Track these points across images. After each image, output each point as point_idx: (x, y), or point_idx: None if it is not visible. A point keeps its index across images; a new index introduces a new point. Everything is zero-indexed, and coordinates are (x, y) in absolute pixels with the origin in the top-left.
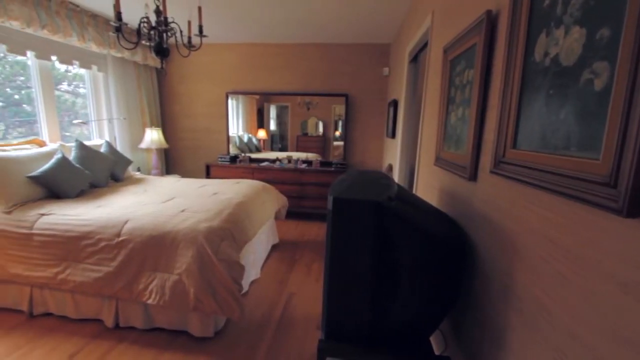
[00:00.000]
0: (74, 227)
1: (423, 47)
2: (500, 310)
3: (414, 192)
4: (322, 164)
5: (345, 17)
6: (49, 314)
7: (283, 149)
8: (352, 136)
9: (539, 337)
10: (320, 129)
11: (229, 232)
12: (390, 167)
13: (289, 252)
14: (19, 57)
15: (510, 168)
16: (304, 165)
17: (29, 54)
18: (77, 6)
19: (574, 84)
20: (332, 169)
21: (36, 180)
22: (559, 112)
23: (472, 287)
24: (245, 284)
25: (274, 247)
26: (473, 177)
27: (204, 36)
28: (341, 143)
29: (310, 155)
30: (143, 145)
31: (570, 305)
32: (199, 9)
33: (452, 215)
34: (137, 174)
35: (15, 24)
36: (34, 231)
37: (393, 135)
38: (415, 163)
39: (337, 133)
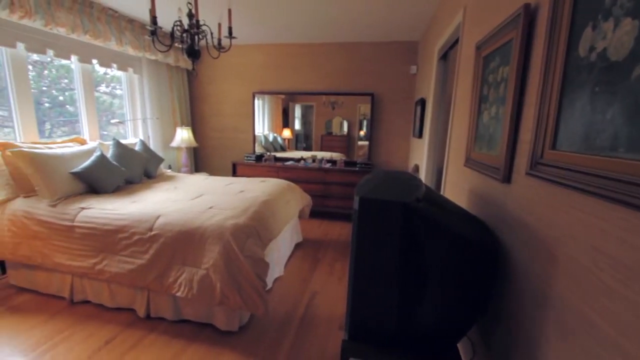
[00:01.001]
0: (111, 220)
1: (453, 44)
2: (534, 319)
3: (441, 193)
4: (347, 163)
5: (373, 15)
6: (87, 302)
7: (307, 148)
8: (378, 136)
9: (578, 350)
10: (345, 129)
11: (254, 229)
12: (417, 168)
13: (312, 251)
14: (64, 61)
15: (548, 170)
16: (328, 165)
17: (73, 58)
18: (116, 12)
19: (624, 80)
20: (357, 168)
21: (78, 176)
22: (605, 111)
23: (504, 294)
24: (269, 281)
25: (298, 246)
26: (507, 178)
27: (233, 37)
28: (366, 143)
29: (335, 155)
30: (174, 144)
31: (617, 317)
32: (229, 11)
33: (482, 217)
34: (168, 172)
35: (61, 30)
36: (75, 224)
37: (420, 135)
38: (444, 163)
39: (362, 132)
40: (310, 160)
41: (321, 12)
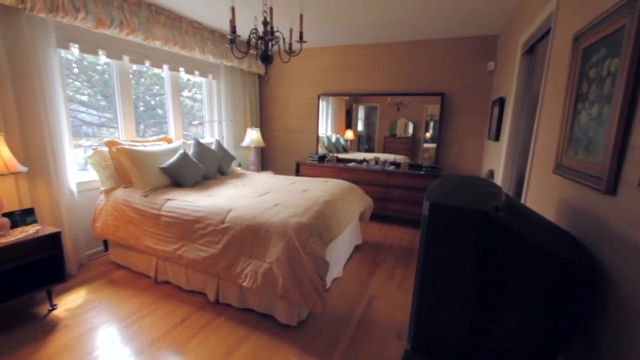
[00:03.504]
0: (190, 212)
1: (542, 36)
2: None
3: (521, 202)
4: (411, 166)
5: (446, 10)
6: (168, 282)
7: (370, 149)
8: (447, 138)
9: None
10: (410, 130)
11: (316, 228)
12: (491, 173)
13: (371, 254)
14: (156, 70)
15: None
16: (391, 167)
17: (164, 67)
18: (200, 24)
19: None
20: (422, 172)
21: (165, 171)
22: None
23: (602, 322)
24: (328, 280)
25: (357, 248)
26: (611, 190)
27: (304, 42)
28: (432, 145)
29: (398, 157)
30: (244, 143)
31: None
32: (301, 16)
33: (574, 233)
34: (238, 169)
35: (157, 43)
36: (161, 212)
37: (496, 138)
38: (526, 170)
39: (428, 134)
40: (372, 162)
41: (388, 12)
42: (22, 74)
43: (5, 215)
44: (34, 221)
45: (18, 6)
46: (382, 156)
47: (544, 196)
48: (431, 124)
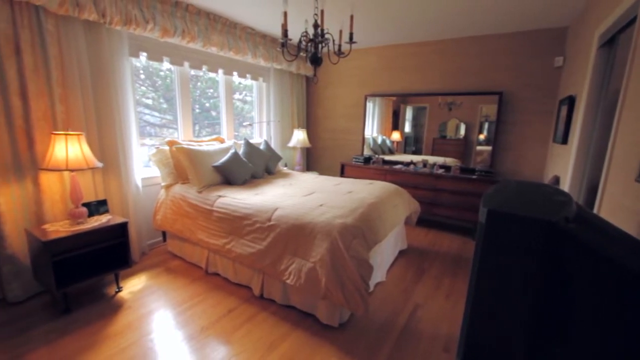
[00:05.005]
0: (239, 208)
1: (625, 25)
2: None
3: (594, 213)
4: (462, 170)
5: (508, 3)
6: (217, 274)
7: (417, 152)
8: (504, 140)
9: None
10: (462, 132)
11: (360, 230)
12: (556, 180)
13: (416, 261)
14: (211, 74)
15: None
16: (440, 171)
17: (220, 71)
18: (253, 29)
19: None
20: (474, 176)
21: (217, 169)
22: None
23: None
24: (371, 284)
25: (402, 253)
26: None
27: (354, 42)
28: (487, 148)
29: (448, 160)
30: (290, 144)
31: None
32: (351, 17)
33: None
34: (284, 169)
35: (213, 49)
36: (214, 208)
37: (564, 141)
38: (601, 177)
39: (482, 136)
40: (420, 165)
41: (446, 5)
42: (100, 80)
43: (84, 205)
44: (106, 211)
45: (99, 21)
46: (431, 159)
47: (622, 207)
48: (486, 125)
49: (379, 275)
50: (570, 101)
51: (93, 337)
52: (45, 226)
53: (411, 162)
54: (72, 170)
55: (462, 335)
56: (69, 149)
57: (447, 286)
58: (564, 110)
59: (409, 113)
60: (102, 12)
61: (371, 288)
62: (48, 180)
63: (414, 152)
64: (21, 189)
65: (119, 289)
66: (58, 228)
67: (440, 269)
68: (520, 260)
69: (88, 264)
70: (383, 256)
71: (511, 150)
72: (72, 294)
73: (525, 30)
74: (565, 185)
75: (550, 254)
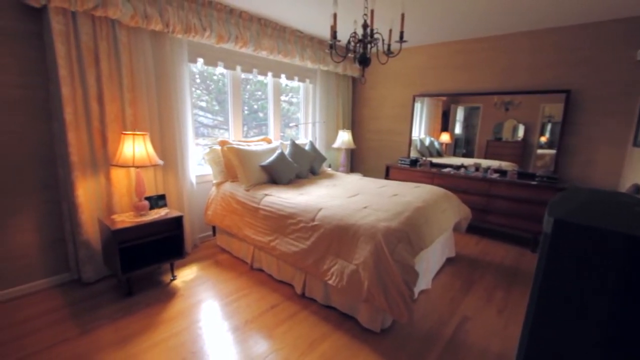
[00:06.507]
0: (284, 207)
1: None
2: None
3: None
4: (520, 175)
5: None
6: (261, 270)
7: (468, 154)
8: (571, 143)
9: None
10: (520, 134)
11: (406, 235)
12: (637, 189)
13: (465, 270)
14: (260, 77)
15: None
16: (495, 175)
17: (269, 74)
18: (301, 32)
19: None
20: (534, 182)
21: (264, 168)
22: None
23: None
24: (415, 291)
25: (449, 261)
26: None
27: (404, 41)
28: (549, 151)
29: (504, 164)
30: (335, 145)
31: None
32: (402, 15)
33: None
34: (329, 170)
35: (264, 53)
36: (260, 206)
37: None
38: None
39: (544, 139)
40: (472, 169)
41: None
42: (163, 85)
43: (146, 198)
44: (165, 205)
45: (164, 30)
46: (484, 162)
47: None
48: (548, 127)
49: (423, 282)
50: None
51: (150, 319)
52: (114, 216)
53: (462, 166)
54: (137, 167)
55: (519, 356)
56: (135, 147)
57: (500, 300)
58: None
59: (460, 114)
60: (166, 22)
61: (415, 295)
62: (117, 175)
63: (465, 155)
64: (95, 182)
65: (174, 277)
66: (124, 219)
67: (492, 281)
68: (592, 277)
69: (148, 253)
70: (429, 263)
71: (578, 154)
72: (134, 279)
73: (600, 20)
74: None
75: (632, 272)
